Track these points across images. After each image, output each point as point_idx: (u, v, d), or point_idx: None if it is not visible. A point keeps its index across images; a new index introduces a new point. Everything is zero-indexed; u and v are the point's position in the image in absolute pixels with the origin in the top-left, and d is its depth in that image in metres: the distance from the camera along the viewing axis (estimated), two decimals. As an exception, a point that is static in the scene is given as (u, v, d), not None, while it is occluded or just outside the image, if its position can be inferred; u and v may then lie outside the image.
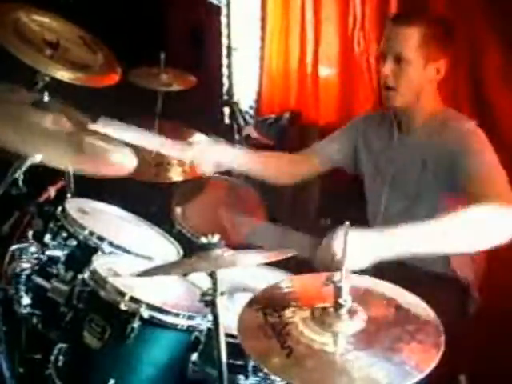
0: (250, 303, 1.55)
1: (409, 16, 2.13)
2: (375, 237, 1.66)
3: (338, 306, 1.41)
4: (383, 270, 2.03)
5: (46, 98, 2.07)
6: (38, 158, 1.92)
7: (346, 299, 1.41)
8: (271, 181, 2.44)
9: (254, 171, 2.40)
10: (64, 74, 2.28)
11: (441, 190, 2.08)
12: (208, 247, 1.56)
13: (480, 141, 2.03)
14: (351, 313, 1.42)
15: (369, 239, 1.63)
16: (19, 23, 2.32)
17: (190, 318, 1.76)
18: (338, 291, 1.41)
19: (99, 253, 1.97)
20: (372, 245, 1.64)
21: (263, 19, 3.56)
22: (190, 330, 1.77)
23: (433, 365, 1.32)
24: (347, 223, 1.42)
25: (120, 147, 2.24)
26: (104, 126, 2.20)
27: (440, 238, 1.70)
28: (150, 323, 1.72)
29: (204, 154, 2.30)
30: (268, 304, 1.52)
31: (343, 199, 2.52)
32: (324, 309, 1.44)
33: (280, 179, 2.46)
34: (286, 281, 1.66)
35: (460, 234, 1.70)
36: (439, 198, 2.09)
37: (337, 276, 1.41)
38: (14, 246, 1.98)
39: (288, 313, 1.48)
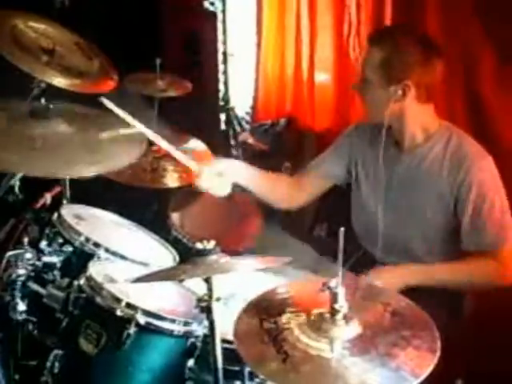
0: (246, 309, 1.55)
1: (378, 36, 2.11)
2: (409, 272, 2.05)
3: (334, 312, 1.42)
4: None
5: (43, 103, 2.05)
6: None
7: (342, 305, 1.42)
8: (275, 204, 2.43)
9: (261, 193, 2.39)
10: (60, 81, 2.27)
11: (438, 213, 2.10)
12: (204, 253, 1.57)
13: (494, 183, 2.04)
14: (347, 318, 1.43)
15: (404, 274, 2.04)
16: (15, 30, 2.32)
17: (186, 323, 1.76)
18: (333, 297, 1.42)
19: (95, 259, 1.97)
20: (405, 279, 2.01)
21: (259, 25, 3.56)
22: (186, 335, 1.76)
23: (429, 370, 1.33)
24: (342, 229, 1.42)
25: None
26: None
27: (456, 281, 2.05)
28: (146, 329, 1.72)
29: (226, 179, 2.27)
30: (264, 310, 1.52)
31: (340, 204, 2.51)
32: (320, 314, 1.45)
33: (283, 204, 2.45)
34: (282, 286, 1.67)
35: (472, 281, 2.06)
36: (437, 222, 2.11)
37: (333, 282, 1.42)
38: (10, 253, 1.97)
39: (284, 318, 1.49)
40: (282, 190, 2.43)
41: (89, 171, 1.90)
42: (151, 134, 2.20)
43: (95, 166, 1.92)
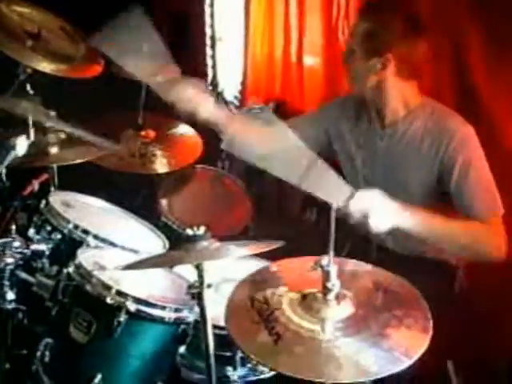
0: (237, 290, 1.54)
1: (365, 9, 2.14)
2: (401, 208, 1.86)
3: (326, 291, 1.41)
4: (370, 255, 2.05)
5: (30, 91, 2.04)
6: (20, 151, 1.89)
7: (335, 283, 1.41)
8: None
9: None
10: (46, 66, 2.25)
11: (424, 186, 2.09)
12: (194, 239, 1.56)
13: (477, 152, 2.02)
14: (339, 298, 1.42)
15: (396, 208, 1.85)
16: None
17: (176, 310, 1.75)
18: (326, 275, 1.41)
19: (84, 246, 1.96)
20: (396, 213, 1.84)
21: (247, 8, 3.53)
22: (177, 322, 1.76)
23: (422, 350, 1.32)
24: (334, 206, 1.42)
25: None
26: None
27: (446, 236, 1.95)
28: (137, 316, 1.72)
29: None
30: (255, 290, 1.52)
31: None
32: (312, 294, 1.44)
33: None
34: (273, 266, 1.66)
35: (461, 240, 1.95)
36: (421, 193, 2.09)
37: (325, 260, 1.41)
38: (-2, 241, 1.96)
39: (276, 298, 1.48)
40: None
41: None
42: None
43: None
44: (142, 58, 2.09)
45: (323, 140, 2.31)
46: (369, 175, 2.20)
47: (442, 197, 2.09)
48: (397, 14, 2.05)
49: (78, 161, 2.17)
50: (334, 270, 1.41)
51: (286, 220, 2.61)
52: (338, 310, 1.42)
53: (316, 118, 2.36)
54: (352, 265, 1.62)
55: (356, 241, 2.24)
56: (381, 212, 1.81)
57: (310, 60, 3.32)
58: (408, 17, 2.06)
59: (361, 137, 2.20)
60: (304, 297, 1.46)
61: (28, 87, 2.03)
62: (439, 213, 1.98)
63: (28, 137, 1.90)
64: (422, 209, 1.93)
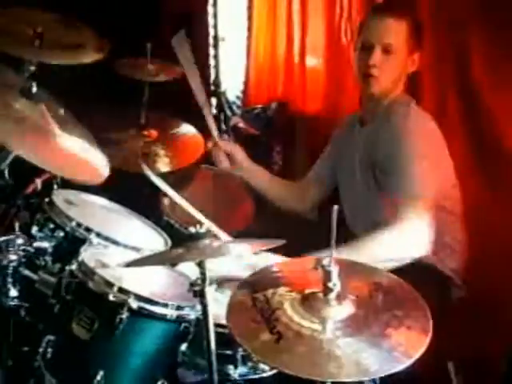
0: (239, 289, 1.55)
1: (393, 8, 2.22)
2: None
3: (327, 291, 1.42)
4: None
5: (35, 89, 2.04)
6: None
7: (336, 283, 1.42)
8: (284, 207, 2.54)
9: (263, 190, 2.51)
10: (58, 58, 2.28)
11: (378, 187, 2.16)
12: (196, 237, 1.56)
13: (419, 143, 2.07)
14: (340, 298, 1.43)
15: None
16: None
17: (178, 308, 1.76)
18: (327, 275, 1.42)
19: (87, 244, 1.96)
20: None
21: (250, 9, 3.54)
22: (178, 320, 1.76)
23: (422, 350, 1.33)
24: (336, 207, 1.42)
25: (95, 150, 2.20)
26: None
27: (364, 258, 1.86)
28: (139, 314, 1.72)
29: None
30: (257, 289, 1.52)
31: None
32: (313, 294, 1.45)
33: (291, 208, 2.55)
34: (274, 265, 1.67)
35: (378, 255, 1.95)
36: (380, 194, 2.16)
37: (326, 260, 1.42)
38: (1, 238, 1.96)
39: (277, 297, 1.49)
40: (289, 194, 2.55)
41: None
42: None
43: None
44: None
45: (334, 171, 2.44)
46: (353, 182, 2.28)
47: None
48: (412, 12, 2.23)
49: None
50: (335, 270, 1.42)
51: (288, 219, 2.62)
52: (339, 310, 1.43)
53: (325, 156, 2.51)
54: (352, 265, 1.63)
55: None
56: None
57: (313, 61, 3.33)
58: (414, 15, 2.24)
59: (349, 147, 2.32)
60: (305, 296, 1.47)
61: (34, 86, 2.03)
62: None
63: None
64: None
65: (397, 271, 1.80)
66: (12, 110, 1.98)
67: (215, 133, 2.44)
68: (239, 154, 2.45)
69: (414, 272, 1.98)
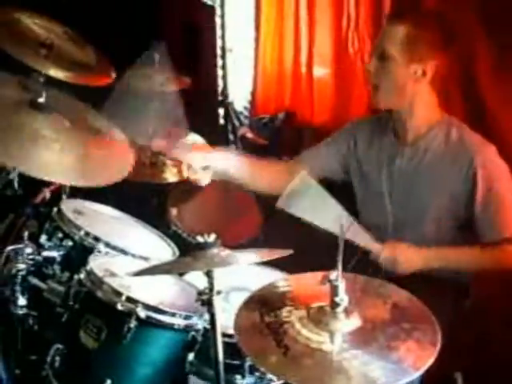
0: (247, 302, 1.55)
1: (399, 14, 2.10)
2: (426, 252, 2.02)
3: (334, 305, 1.42)
4: (378, 270, 2.06)
5: (43, 99, 2.06)
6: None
7: (343, 298, 1.42)
8: (262, 191, 2.37)
9: (248, 180, 2.32)
10: (61, 74, 2.28)
11: (443, 208, 2.08)
12: (204, 246, 1.57)
13: (500, 169, 2.02)
14: (347, 311, 1.43)
15: (420, 253, 2.01)
16: (16, 24, 2.33)
17: (186, 317, 1.76)
18: (334, 290, 1.42)
19: (95, 253, 1.97)
20: (421, 258, 2.01)
21: (257, 20, 3.56)
22: (186, 329, 1.77)
23: (429, 363, 1.33)
24: (343, 223, 1.43)
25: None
26: None
27: (470, 264, 2.05)
28: (147, 323, 1.73)
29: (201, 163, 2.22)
30: (264, 303, 1.53)
31: (339, 199, 2.52)
32: (320, 308, 1.45)
33: (271, 190, 2.36)
34: (282, 280, 1.67)
35: (485, 265, 2.04)
36: (442, 214, 2.09)
37: (333, 275, 1.42)
38: (10, 247, 1.98)
39: (284, 312, 1.49)
40: (275, 178, 2.32)
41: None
42: None
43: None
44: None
45: (341, 166, 2.30)
46: (386, 196, 2.17)
47: (458, 223, 2.09)
48: (435, 20, 2.04)
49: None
50: (342, 285, 1.42)
51: (296, 229, 2.61)
52: (347, 323, 1.43)
53: (332, 145, 2.33)
54: (360, 279, 1.63)
55: (363, 256, 2.24)
56: (407, 260, 1.98)
57: (320, 71, 3.34)
58: (442, 24, 2.04)
59: (377, 157, 2.18)
60: (313, 310, 1.47)
61: (43, 96, 2.05)
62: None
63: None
64: (446, 246, 2.04)
65: (414, 283, 1.81)
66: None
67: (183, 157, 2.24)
68: (214, 161, 2.23)
69: (432, 283, 1.98)
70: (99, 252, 1.99)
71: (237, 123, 3.74)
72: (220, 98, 3.87)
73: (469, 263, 2.04)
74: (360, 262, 2.17)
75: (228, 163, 2.27)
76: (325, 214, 1.98)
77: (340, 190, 2.33)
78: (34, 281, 1.96)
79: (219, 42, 3.83)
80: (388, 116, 2.17)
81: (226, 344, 1.59)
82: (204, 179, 2.23)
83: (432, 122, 2.09)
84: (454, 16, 2.45)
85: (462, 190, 2.04)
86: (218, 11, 3.77)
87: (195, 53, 3.89)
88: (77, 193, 2.43)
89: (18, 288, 1.93)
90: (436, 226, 2.11)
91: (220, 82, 3.87)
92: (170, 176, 2.76)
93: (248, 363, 1.75)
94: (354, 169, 2.27)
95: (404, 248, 2.00)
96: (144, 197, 2.93)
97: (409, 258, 1.99)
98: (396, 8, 2.75)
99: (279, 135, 3.51)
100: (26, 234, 2.02)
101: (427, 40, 1.99)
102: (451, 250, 2.04)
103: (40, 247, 2.02)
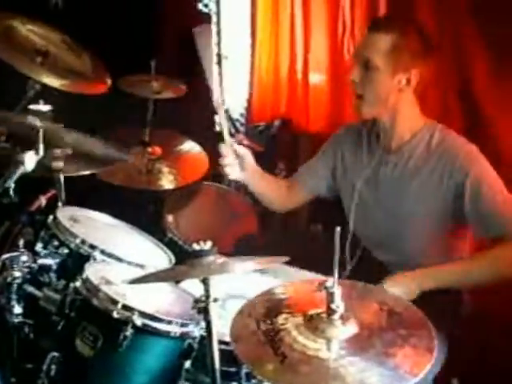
0: (243, 310, 1.55)
1: (382, 23, 2.10)
2: (422, 276, 1.98)
3: (330, 312, 1.42)
4: (373, 276, 2.06)
5: (44, 108, 2.06)
6: (29, 167, 1.91)
7: (339, 305, 1.42)
8: (269, 205, 2.46)
9: (260, 192, 2.41)
10: (57, 82, 2.28)
11: (432, 213, 2.08)
12: (200, 254, 1.57)
13: (484, 166, 2.01)
14: (344, 318, 1.43)
15: (417, 278, 1.97)
16: (11, 31, 2.33)
17: (182, 325, 1.76)
18: (330, 297, 1.42)
19: (91, 261, 1.97)
20: (419, 283, 1.95)
21: (253, 27, 3.56)
22: (182, 337, 1.76)
23: (427, 368, 1.33)
24: (339, 229, 1.43)
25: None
26: None
27: (470, 276, 1.99)
28: (143, 331, 1.72)
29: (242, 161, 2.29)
30: (261, 311, 1.52)
31: (334, 205, 2.52)
32: (317, 315, 1.45)
33: (276, 206, 2.47)
34: (278, 287, 1.67)
35: (487, 273, 1.98)
36: (430, 220, 2.09)
37: (329, 282, 1.42)
38: (5, 255, 1.97)
39: (281, 319, 1.49)
40: (278, 192, 2.44)
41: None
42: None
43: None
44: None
45: (333, 179, 2.33)
46: (373, 205, 2.18)
47: (446, 229, 2.10)
48: (415, 28, 2.04)
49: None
50: (338, 292, 1.42)
51: (292, 235, 2.62)
52: (344, 330, 1.43)
53: (321, 160, 2.37)
54: (356, 286, 1.63)
55: (359, 261, 2.24)
56: (405, 292, 1.91)
57: (316, 78, 3.35)
58: (423, 31, 2.05)
59: (362, 165, 2.19)
60: (309, 317, 1.47)
61: (41, 103, 2.04)
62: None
63: (37, 152, 1.92)
64: (442, 264, 2.00)
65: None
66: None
67: (228, 136, 2.30)
68: (248, 155, 2.32)
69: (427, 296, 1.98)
70: (95, 260, 1.98)
71: (233, 130, 3.74)
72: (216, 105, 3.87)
73: (467, 276, 2.00)
74: (355, 270, 2.18)
75: (252, 165, 2.33)
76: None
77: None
78: (30, 289, 1.96)
79: (215, 50, 3.83)
80: (373, 123, 2.18)
81: (222, 351, 1.59)
82: (234, 172, 2.28)
83: (415, 128, 2.10)
84: (449, 21, 2.47)
85: (448, 194, 2.04)
86: (214, 18, 3.78)
87: (191, 60, 3.90)
88: (72, 200, 2.43)
89: (13, 296, 1.92)
90: (425, 232, 2.11)
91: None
92: (166, 183, 2.76)
93: (245, 371, 1.75)
94: (341, 178, 2.29)
95: (401, 279, 1.96)
96: (140, 204, 2.93)
97: (407, 291, 1.92)
98: (391, 14, 2.76)
99: (275, 142, 3.51)
100: (21, 241, 2.01)
101: (411, 49, 2.00)
102: (447, 267, 2.02)
103: (36, 255, 2.01)
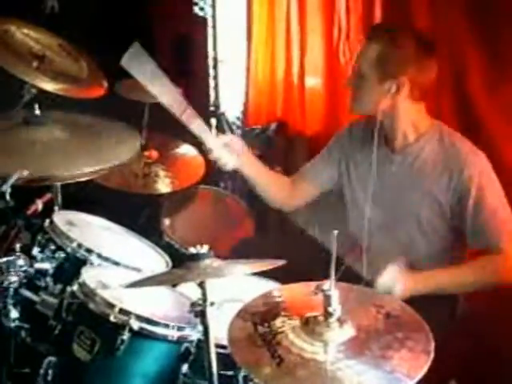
0: (240, 313, 1.55)
1: (374, 32, 2.12)
2: (418, 276, 1.99)
3: (327, 315, 1.42)
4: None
5: (38, 112, 2.06)
6: (25, 171, 1.91)
7: (336, 308, 1.42)
8: (271, 202, 2.42)
9: (262, 188, 2.37)
10: (52, 86, 2.28)
11: (436, 214, 2.09)
12: (197, 257, 1.57)
13: (490, 176, 2.03)
14: (341, 321, 1.43)
15: (413, 277, 1.97)
16: (6, 35, 2.33)
17: (179, 328, 1.76)
18: (327, 300, 1.42)
19: (88, 265, 1.97)
20: (414, 282, 1.96)
21: (249, 31, 3.57)
22: (180, 341, 1.76)
23: (423, 371, 1.33)
24: (335, 232, 1.43)
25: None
26: None
27: (464, 282, 2.02)
28: (140, 335, 1.72)
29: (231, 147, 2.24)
30: (258, 314, 1.52)
31: (330, 208, 2.52)
32: (314, 318, 1.45)
33: (278, 203, 2.44)
34: (275, 290, 1.67)
35: (481, 279, 2.01)
36: (429, 217, 2.10)
37: (326, 285, 1.42)
38: (2, 260, 1.96)
39: (278, 322, 1.49)
40: (280, 186, 2.42)
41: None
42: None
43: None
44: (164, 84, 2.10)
45: (336, 174, 2.34)
46: (377, 203, 2.18)
47: (447, 232, 2.11)
48: (408, 35, 2.05)
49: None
50: (335, 295, 1.42)
51: (288, 239, 2.62)
52: (341, 333, 1.43)
53: (327, 156, 2.38)
54: (353, 289, 1.63)
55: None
56: (400, 288, 1.92)
57: (312, 81, 3.35)
58: (419, 37, 2.06)
59: (367, 164, 2.19)
60: (306, 320, 1.47)
61: (36, 108, 2.04)
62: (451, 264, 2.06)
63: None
64: (437, 269, 2.02)
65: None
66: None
67: (205, 134, 2.23)
68: (235, 140, 2.30)
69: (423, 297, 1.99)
70: (92, 264, 1.98)
71: (229, 133, 3.75)
72: (212, 108, 3.88)
73: (461, 282, 2.02)
74: (347, 274, 2.18)
75: (248, 153, 2.31)
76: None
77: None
78: (27, 293, 1.95)
79: (211, 53, 3.84)
80: (375, 125, 2.19)
81: (219, 355, 1.59)
82: (229, 161, 2.23)
83: (421, 130, 2.11)
84: (445, 27, 2.48)
85: (452, 198, 2.05)
86: (210, 22, 3.79)
87: (187, 63, 3.90)
88: (69, 204, 2.43)
89: (10, 300, 1.92)
90: (425, 233, 2.12)
91: (212, 93, 3.89)
92: (163, 187, 2.76)
93: (242, 374, 1.75)
94: (345, 173, 2.30)
95: (403, 274, 1.96)
96: (137, 208, 2.93)
97: (401, 286, 1.93)
98: (386, 19, 2.77)
99: (271, 145, 3.51)
100: (18, 245, 2.01)
101: (399, 56, 2.02)
102: (442, 272, 2.03)
103: (32, 259, 2.01)
